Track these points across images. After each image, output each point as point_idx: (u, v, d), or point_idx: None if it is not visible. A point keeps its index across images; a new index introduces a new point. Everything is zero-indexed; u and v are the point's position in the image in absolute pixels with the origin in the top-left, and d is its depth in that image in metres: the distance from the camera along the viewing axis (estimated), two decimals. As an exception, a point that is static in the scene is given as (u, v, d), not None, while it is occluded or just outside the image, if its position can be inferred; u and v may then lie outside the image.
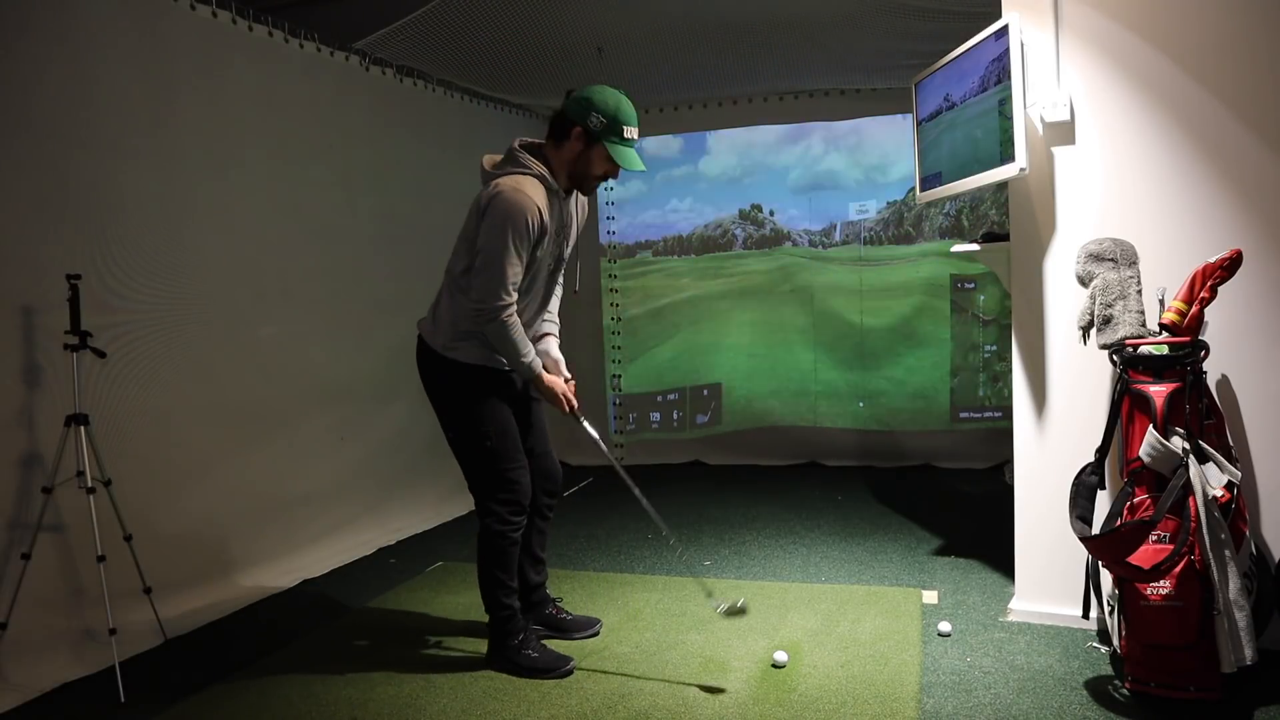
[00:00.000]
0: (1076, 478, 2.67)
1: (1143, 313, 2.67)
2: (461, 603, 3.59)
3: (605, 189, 6.23)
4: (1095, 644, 2.91)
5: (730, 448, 6.24)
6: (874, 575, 3.76)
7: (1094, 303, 2.71)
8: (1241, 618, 2.40)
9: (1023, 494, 3.17)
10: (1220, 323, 2.73)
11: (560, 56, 4.90)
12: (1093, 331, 2.73)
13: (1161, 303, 2.72)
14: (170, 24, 3.58)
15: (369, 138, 4.69)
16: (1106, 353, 2.72)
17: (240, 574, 3.84)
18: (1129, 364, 2.64)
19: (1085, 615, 2.77)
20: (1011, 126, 2.87)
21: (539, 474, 3.04)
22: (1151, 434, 2.53)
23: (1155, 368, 2.60)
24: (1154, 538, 2.48)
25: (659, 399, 6.44)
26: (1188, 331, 2.58)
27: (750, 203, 6.25)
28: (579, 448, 3.15)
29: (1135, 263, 2.73)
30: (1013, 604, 3.22)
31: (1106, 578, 2.71)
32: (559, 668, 2.89)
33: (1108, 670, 2.75)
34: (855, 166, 6.00)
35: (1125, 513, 2.61)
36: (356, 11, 4.43)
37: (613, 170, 2.83)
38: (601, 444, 3.05)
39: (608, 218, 6.40)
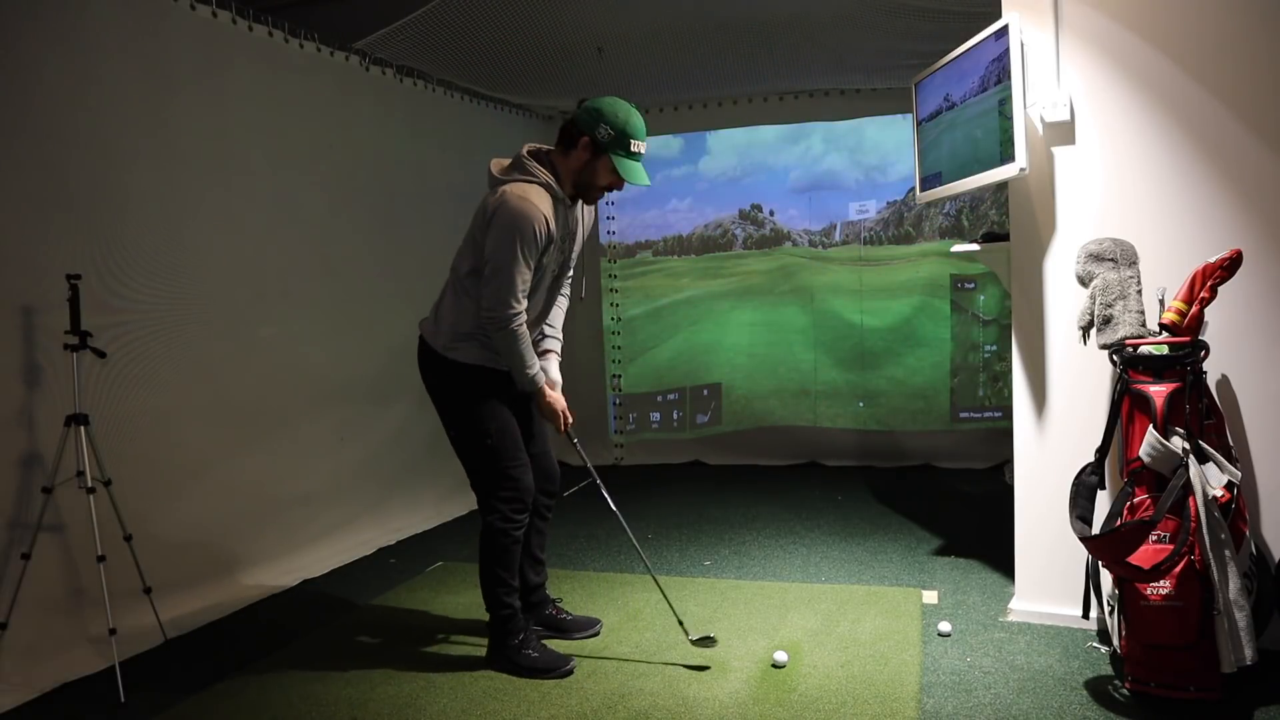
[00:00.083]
0: (1076, 478, 2.67)
1: (1143, 313, 2.67)
2: (461, 603, 3.59)
3: (606, 189, 6.23)
4: (1095, 644, 2.91)
5: (730, 448, 6.24)
6: (874, 575, 3.76)
7: (1094, 303, 2.71)
8: (1241, 618, 2.40)
9: (1023, 494, 3.17)
10: (1220, 323, 2.73)
11: (560, 56, 4.90)
12: (1093, 331, 2.73)
13: (1161, 303, 2.72)
14: (170, 24, 3.58)
15: (369, 138, 4.69)
16: (1106, 353, 2.72)
17: (240, 574, 3.84)
18: (1129, 364, 2.64)
19: (1085, 615, 2.77)
20: (1011, 126, 2.87)
21: (537, 474, 3.05)
22: (1151, 434, 2.53)
23: (1155, 368, 2.60)
24: (1154, 538, 2.48)
25: (659, 399, 6.44)
26: (1188, 331, 2.58)
27: (750, 203, 6.25)
28: (577, 434, 3.15)
29: (1135, 263, 2.73)
30: (1013, 604, 3.22)
31: (1106, 578, 2.71)
32: (559, 667, 2.89)
33: (1108, 670, 2.75)
34: (855, 166, 6.00)
35: (1125, 513, 2.61)
36: (356, 11, 4.43)
37: (617, 182, 2.84)
38: (588, 463, 3.14)
39: (608, 218, 6.40)
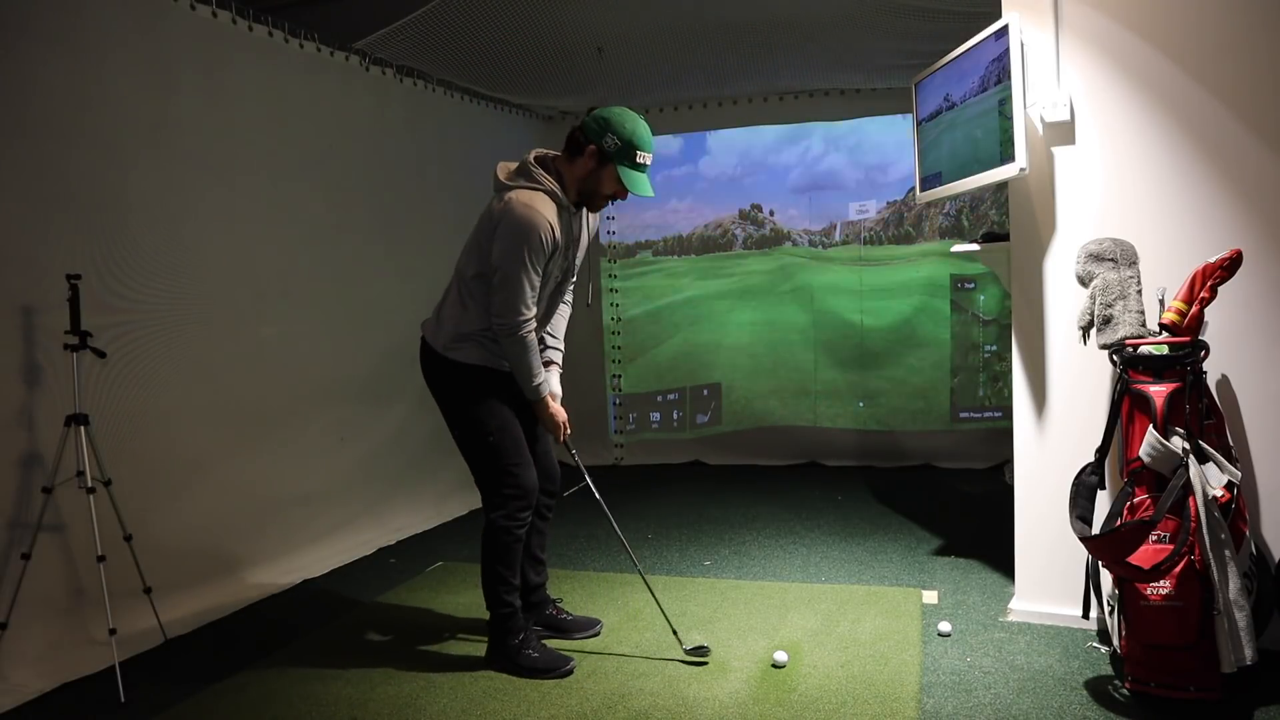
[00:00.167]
0: (1076, 478, 2.67)
1: (1143, 313, 2.67)
2: (462, 603, 3.59)
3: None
4: (1095, 644, 2.91)
5: (730, 448, 6.24)
6: (874, 575, 3.76)
7: (1094, 303, 2.71)
8: (1241, 618, 2.40)
9: (1023, 494, 3.17)
10: (1220, 323, 2.73)
11: (560, 56, 4.90)
12: (1093, 331, 2.73)
13: (1161, 303, 2.72)
14: (170, 24, 3.58)
15: (369, 138, 4.69)
16: (1106, 353, 2.72)
17: (240, 574, 3.84)
18: (1129, 364, 2.64)
19: (1085, 615, 2.77)
20: (1011, 126, 2.87)
21: (538, 474, 3.05)
22: (1151, 434, 2.53)
23: (1155, 368, 2.60)
24: (1154, 538, 2.48)
25: (659, 399, 6.44)
26: (1188, 331, 2.58)
27: (750, 203, 6.25)
28: (575, 446, 3.16)
29: (1135, 263, 2.73)
30: (1013, 604, 3.22)
31: (1106, 578, 2.71)
32: (559, 667, 2.89)
33: (1108, 670, 2.75)
34: (855, 166, 5.99)
35: (1125, 513, 2.61)
36: (356, 11, 4.42)
37: (621, 192, 2.85)
38: (581, 465, 3.15)
39: (608, 218, 6.40)
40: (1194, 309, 2.57)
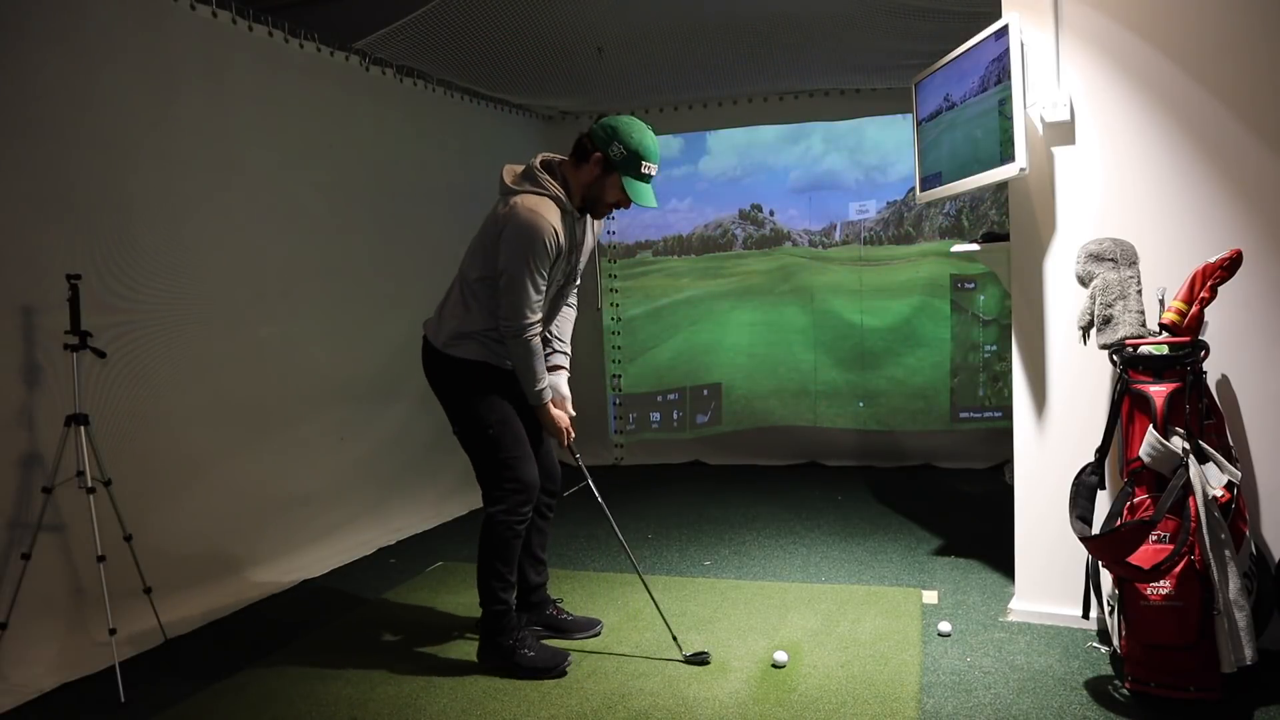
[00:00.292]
0: (1076, 478, 2.67)
1: (1143, 313, 2.67)
2: (462, 603, 3.59)
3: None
4: (1095, 644, 2.91)
5: (730, 448, 6.24)
6: (874, 575, 3.76)
7: (1094, 303, 2.71)
8: (1241, 618, 2.40)
9: (1023, 494, 3.17)
10: (1220, 323, 2.73)
11: (560, 56, 4.90)
12: (1093, 331, 2.73)
13: (1161, 303, 2.72)
14: (171, 24, 3.58)
15: (369, 138, 4.69)
16: (1106, 353, 2.72)
17: (240, 574, 3.84)
18: (1129, 364, 2.64)
19: (1085, 615, 2.77)
20: (1011, 126, 2.87)
21: (539, 473, 3.05)
22: (1151, 434, 2.53)
23: (1155, 368, 2.60)
24: (1154, 538, 2.48)
25: (659, 399, 6.44)
26: (1188, 331, 2.58)
27: (750, 203, 6.25)
28: (579, 449, 3.16)
29: (1135, 263, 2.73)
30: (1013, 604, 3.22)
31: (1106, 578, 2.71)
32: (556, 665, 2.89)
33: (1108, 670, 2.75)
34: (855, 166, 6.00)
35: (1125, 513, 2.61)
36: (356, 11, 4.42)
37: (624, 201, 2.86)
38: (586, 472, 3.15)
39: (609, 218, 6.38)
40: (1194, 309, 2.57)
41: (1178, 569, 2.43)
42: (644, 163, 2.80)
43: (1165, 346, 2.61)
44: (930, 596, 3.47)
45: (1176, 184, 2.81)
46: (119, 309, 3.38)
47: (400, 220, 4.91)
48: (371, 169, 4.71)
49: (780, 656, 2.90)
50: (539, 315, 2.80)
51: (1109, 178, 2.91)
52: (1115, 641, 2.67)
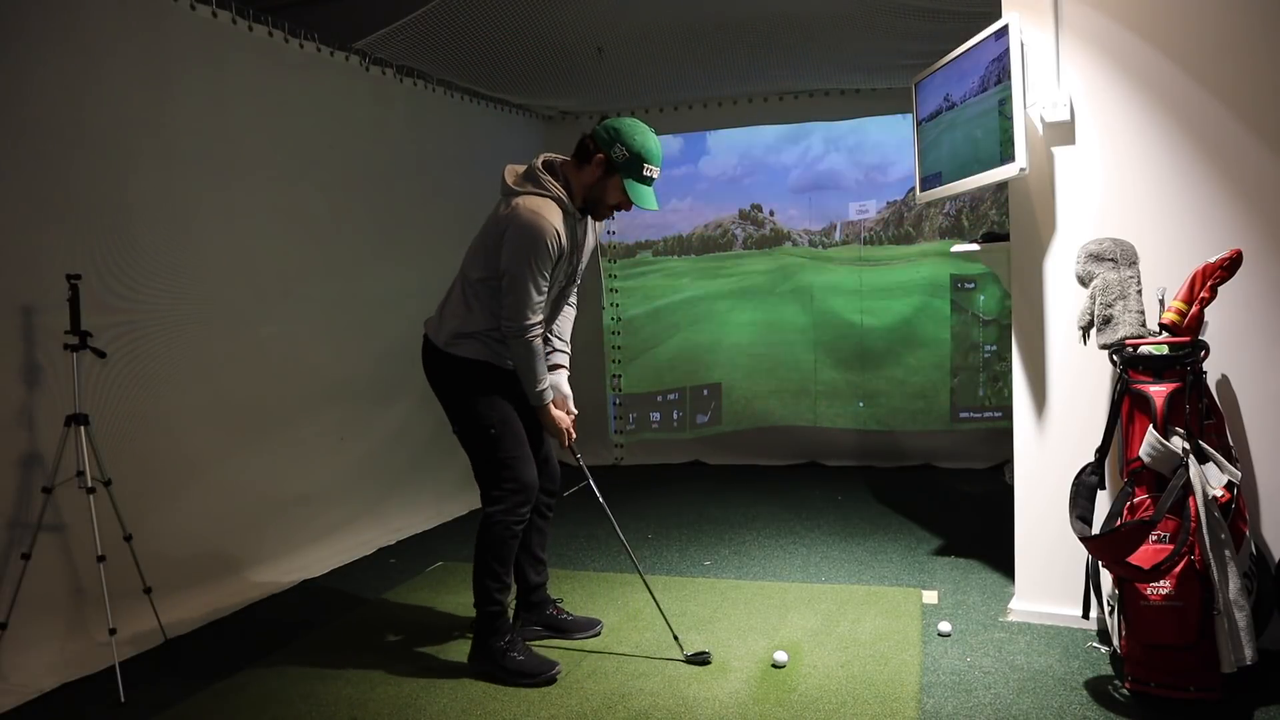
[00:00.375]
0: (1076, 478, 2.67)
1: (1143, 313, 2.67)
2: (462, 603, 3.58)
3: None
4: (1095, 644, 2.91)
5: (730, 448, 6.24)
6: (874, 575, 3.76)
7: (1094, 303, 2.71)
8: (1241, 618, 2.40)
9: (1023, 494, 3.17)
10: (1220, 323, 2.73)
11: (560, 56, 4.90)
12: (1093, 331, 2.73)
13: (1161, 303, 2.72)
14: (170, 24, 3.58)
15: (369, 138, 4.69)
16: (1106, 353, 2.72)
17: (240, 574, 3.84)
18: (1129, 364, 2.64)
19: (1085, 615, 2.77)
20: (1011, 126, 2.87)
21: (539, 473, 3.05)
22: (1151, 434, 2.53)
23: (1155, 368, 2.60)
24: (1154, 538, 2.48)
25: (659, 399, 6.44)
26: (1188, 331, 2.58)
27: (750, 203, 6.25)
28: (579, 449, 3.16)
29: (1135, 263, 2.73)
30: (1013, 604, 3.22)
31: (1106, 578, 2.71)
32: (544, 672, 2.86)
33: (1108, 670, 2.75)
34: (855, 166, 6.00)
35: (1125, 513, 2.61)
36: (356, 11, 4.42)
37: (626, 203, 2.86)
38: (587, 472, 3.16)
39: (609, 218, 6.40)
40: (1194, 309, 2.57)
41: (1178, 569, 2.43)
42: (646, 165, 2.79)
43: (1165, 346, 2.61)
44: (930, 596, 3.47)
45: (1176, 184, 2.81)
46: (119, 309, 3.38)
47: (400, 220, 4.91)
48: (371, 169, 4.71)
49: (780, 656, 2.90)
50: (540, 317, 2.80)
51: (1109, 178, 2.91)
52: (1115, 641, 2.67)
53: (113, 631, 2.88)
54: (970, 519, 4.54)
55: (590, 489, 3.11)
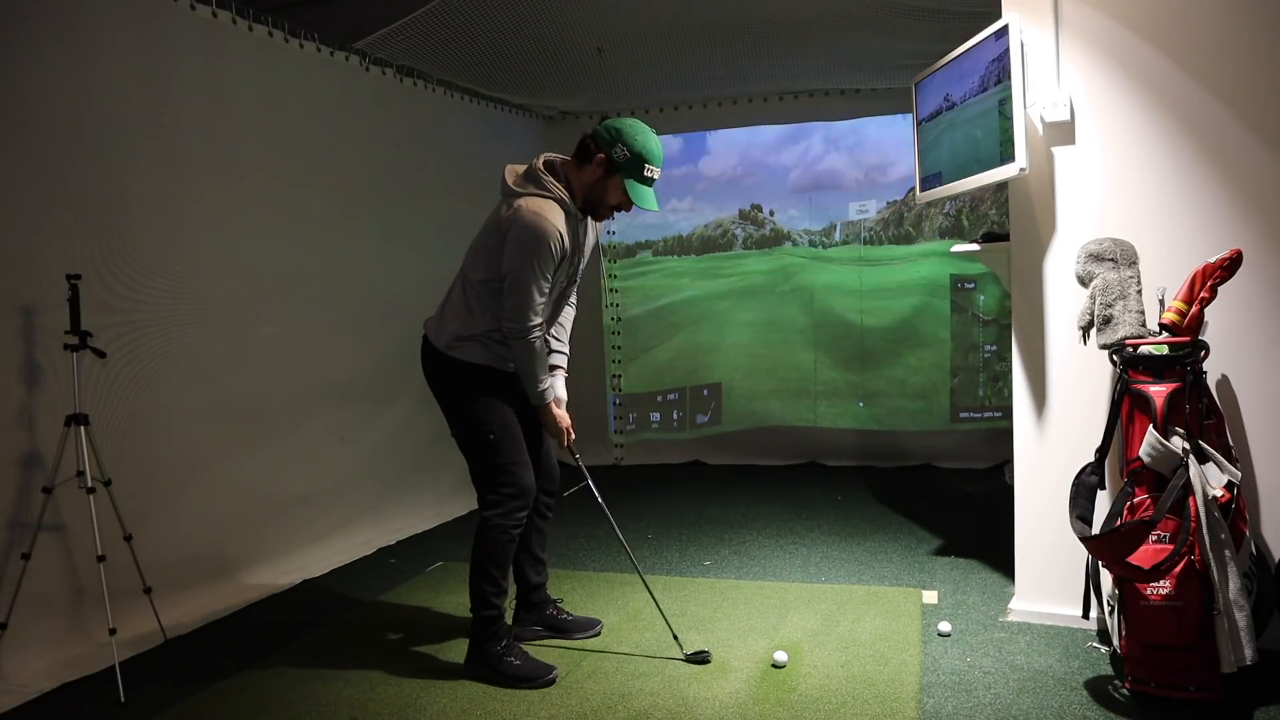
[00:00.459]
0: (1076, 478, 2.67)
1: (1143, 313, 2.67)
2: (462, 603, 3.57)
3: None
4: (1095, 644, 2.91)
5: (730, 448, 6.24)
6: (874, 575, 3.76)
7: (1094, 303, 2.71)
8: (1241, 618, 2.40)
9: (1023, 494, 3.17)
10: (1220, 323, 2.73)
11: (560, 56, 4.90)
12: (1093, 331, 2.73)
13: (1161, 303, 2.72)
14: (170, 24, 3.58)
15: (369, 138, 4.69)
16: (1106, 353, 2.72)
17: (240, 574, 3.84)
18: (1129, 364, 2.64)
19: (1085, 615, 2.77)
20: (1011, 126, 2.87)
21: (538, 473, 3.05)
22: (1151, 434, 2.53)
23: (1155, 368, 2.60)
24: (1154, 538, 2.48)
25: (659, 399, 6.44)
26: (1188, 331, 2.58)
27: (750, 203, 6.25)
28: (578, 449, 3.16)
29: (1135, 263, 2.73)
30: (1013, 604, 3.22)
31: (1106, 578, 2.71)
32: (541, 676, 2.85)
33: (1108, 670, 2.75)
34: (855, 166, 6.00)
35: (1125, 513, 2.61)
36: (356, 11, 4.43)
37: (626, 204, 2.85)
38: (586, 472, 3.15)
39: (609, 218, 6.40)
40: (1194, 309, 2.57)
41: (1178, 569, 2.43)
42: (647, 165, 2.79)
43: (1165, 346, 2.61)
44: (930, 596, 3.47)
45: (1176, 184, 2.81)
46: (119, 309, 3.38)
47: (400, 220, 4.91)
48: (371, 169, 4.71)
49: (780, 656, 2.90)
50: (542, 318, 2.80)
51: (1109, 178, 2.91)
52: (1115, 641, 2.67)
53: (113, 632, 2.88)
54: (970, 519, 4.54)
55: (589, 489, 3.11)
